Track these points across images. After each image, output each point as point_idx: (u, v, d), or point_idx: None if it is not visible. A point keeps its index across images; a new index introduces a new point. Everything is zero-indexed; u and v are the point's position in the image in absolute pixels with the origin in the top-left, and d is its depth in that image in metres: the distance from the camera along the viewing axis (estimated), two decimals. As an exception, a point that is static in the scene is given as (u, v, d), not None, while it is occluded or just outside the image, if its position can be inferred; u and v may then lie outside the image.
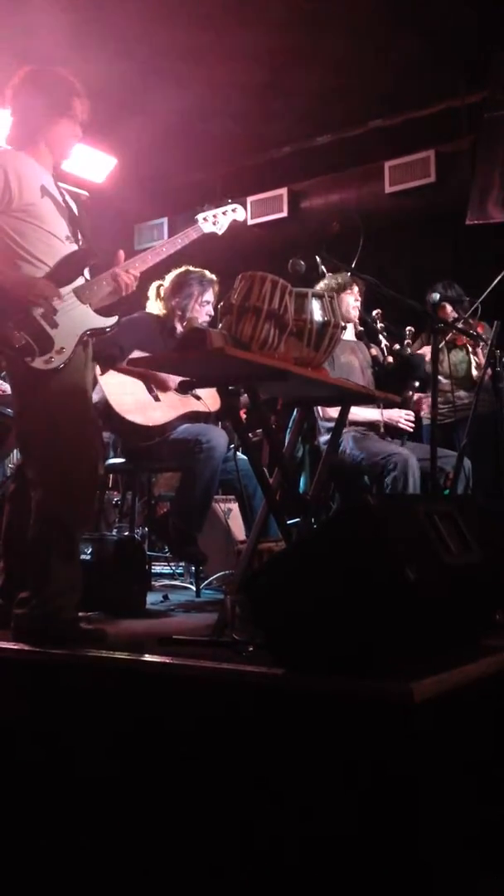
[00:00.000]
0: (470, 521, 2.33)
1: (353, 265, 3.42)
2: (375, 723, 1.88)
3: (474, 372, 5.01)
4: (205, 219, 3.21)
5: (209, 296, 4.10)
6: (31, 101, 2.85)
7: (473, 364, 5.00)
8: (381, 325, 4.49)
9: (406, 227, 6.74)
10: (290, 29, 5.76)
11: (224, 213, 3.25)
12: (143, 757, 2.21)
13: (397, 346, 4.53)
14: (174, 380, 3.89)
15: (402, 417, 4.34)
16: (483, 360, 4.47)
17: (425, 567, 2.02)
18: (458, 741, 2.05)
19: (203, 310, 4.09)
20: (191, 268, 4.12)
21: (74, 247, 2.84)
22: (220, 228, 3.23)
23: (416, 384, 4.52)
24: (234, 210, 3.28)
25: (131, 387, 3.90)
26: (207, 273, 4.15)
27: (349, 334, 4.56)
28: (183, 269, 4.13)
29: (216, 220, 3.22)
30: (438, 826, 1.92)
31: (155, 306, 4.18)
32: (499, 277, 4.09)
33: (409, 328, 4.54)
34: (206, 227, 3.20)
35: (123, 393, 3.86)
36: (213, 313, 4.08)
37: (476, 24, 5.65)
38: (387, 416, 4.32)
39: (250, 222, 7.30)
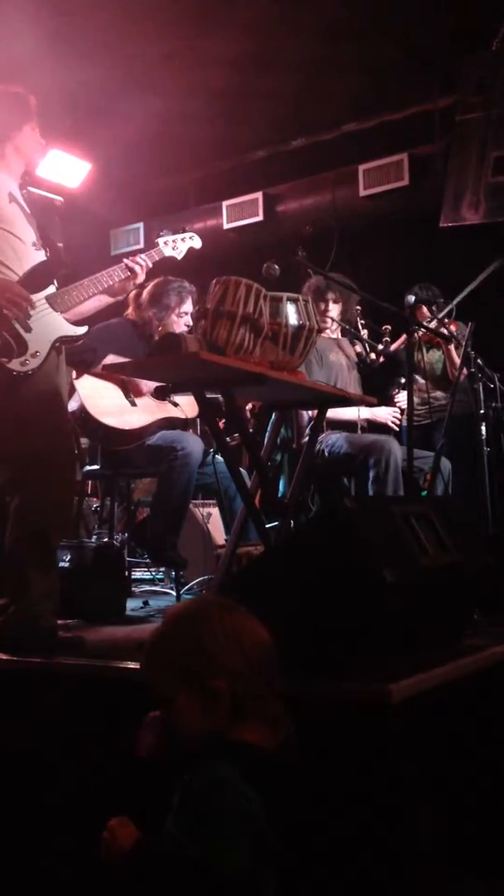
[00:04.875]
0: (447, 521, 2.34)
1: (326, 269, 3.43)
2: (354, 724, 1.88)
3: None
4: (165, 242, 3.32)
5: (187, 306, 4.09)
6: None
7: (448, 364, 5.03)
8: (362, 321, 4.51)
9: (381, 230, 6.78)
10: (262, 33, 5.77)
11: (182, 240, 3.38)
12: (120, 764, 2.20)
13: (380, 346, 4.55)
14: (149, 384, 3.88)
15: (390, 416, 4.36)
16: (457, 360, 4.48)
17: (402, 569, 2.02)
18: (437, 741, 2.05)
19: (181, 321, 4.07)
20: (170, 277, 4.10)
21: (41, 253, 2.83)
22: (179, 254, 3.36)
23: (402, 381, 4.54)
24: (191, 238, 3.42)
25: (107, 391, 3.88)
26: (187, 283, 4.13)
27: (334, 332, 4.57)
28: (162, 278, 4.11)
29: (175, 246, 3.35)
30: (420, 825, 1.93)
31: (133, 312, 4.16)
32: (478, 279, 4.10)
33: (385, 327, 4.58)
34: (167, 251, 3.32)
35: (98, 396, 3.84)
36: (191, 323, 4.05)
37: (449, 27, 5.69)
38: (373, 414, 4.33)
39: (226, 226, 7.31)
